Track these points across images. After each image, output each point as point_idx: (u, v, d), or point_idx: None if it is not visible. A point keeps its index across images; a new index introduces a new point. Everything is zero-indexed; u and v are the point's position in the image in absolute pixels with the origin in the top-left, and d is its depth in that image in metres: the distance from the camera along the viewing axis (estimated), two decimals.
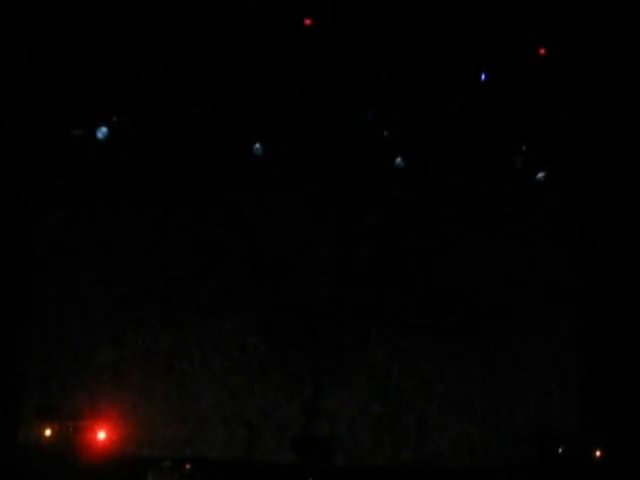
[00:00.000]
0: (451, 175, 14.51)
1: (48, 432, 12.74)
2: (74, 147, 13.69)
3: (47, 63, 12.49)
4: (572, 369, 14.77)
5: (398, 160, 13.94)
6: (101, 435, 12.85)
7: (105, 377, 13.61)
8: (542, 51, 12.88)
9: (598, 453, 13.70)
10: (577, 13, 12.33)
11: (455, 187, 14.64)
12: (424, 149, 13.87)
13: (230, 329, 14.12)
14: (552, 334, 14.78)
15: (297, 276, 14.33)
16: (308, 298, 14.31)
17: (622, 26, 12.42)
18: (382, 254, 14.56)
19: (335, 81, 12.96)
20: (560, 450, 13.75)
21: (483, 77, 13.12)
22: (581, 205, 14.81)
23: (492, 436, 14.49)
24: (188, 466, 13.11)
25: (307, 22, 12.45)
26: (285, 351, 14.20)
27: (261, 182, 14.33)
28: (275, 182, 14.38)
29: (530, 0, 12.34)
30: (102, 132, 13.38)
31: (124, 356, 13.78)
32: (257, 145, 13.69)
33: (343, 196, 14.48)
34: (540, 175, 14.33)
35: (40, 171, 13.66)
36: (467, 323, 14.59)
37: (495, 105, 13.31)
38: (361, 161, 14.21)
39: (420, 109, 13.38)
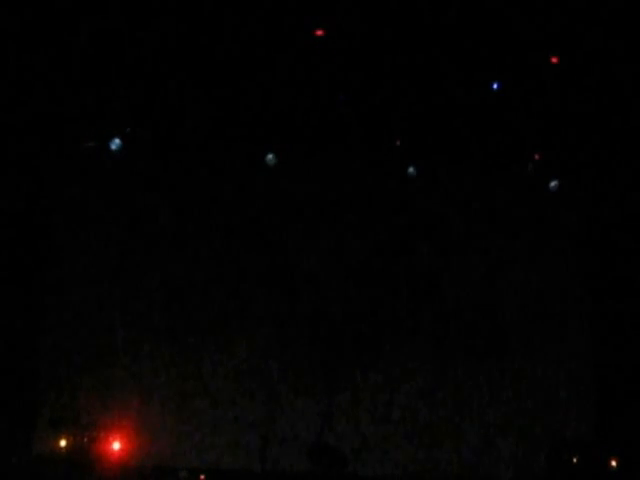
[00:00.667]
0: (464, 185, 14.51)
1: (63, 443, 12.78)
2: (87, 159, 13.76)
3: (59, 75, 12.54)
4: (587, 377, 14.69)
5: (411, 169, 13.94)
6: (116, 445, 12.88)
7: (120, 388, 13.63)
8: (554, 59, 12.82)
9: (613, 462, 13.63)
10: (590, 20, 12.27)
11: (468, 197, 14.65)
12: (437, 158, 13.86)
13: (245, 340, 14.15)
14: (567, 343, 14.73)
15: (312, 287, 14.35)
16: (323, 308, 14.32)
17: (636, 33, 12.36)
18: (398, 264, 14.56)
19: (348, 91, 12.98)
20: (575, 459, 13.69)
21: (495, 86, 13.08)
22: (595, 214, 14.78)
23: (506, 446, 14.44)
24: (203, 476, 13.17)
25: (319, 32, 12.44)
26: (300, 361, 14.21)
27: (274, 192, 14.36)
28: (288, 192, 14.41)
29: (542, 8, 12.31)
30: (115, 144, 13.43)
31: (139, 367, 13.81)
32: (270, 156, 13.71)
33: (357, 206, 14.49)
34: (553, 184, 14.29)
35: (54, 183, 13.73)
36: (482, 336, 14.57)
37: (507, 114, 13.27)
38: (374, 170, 14.23)
39: (432, 118, 13.36)
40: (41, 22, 11.79)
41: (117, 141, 13.37)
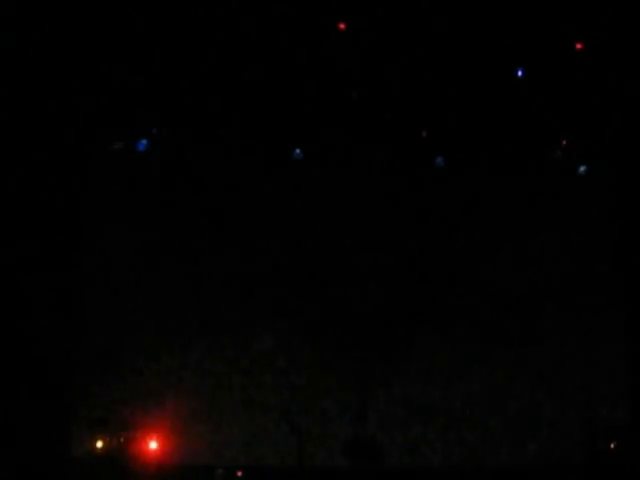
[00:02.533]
0: (492, 173, 14.50)
1: (100, 444, 12.81)
2: (114, 160, 13.82)
3: (87, 77, 12.60)
4: (622, 361, 14.64)
5: (438, 160, 13.94)
6: (153, 445, 12.90)
7: (155, 387, 13.62)
8: (579, 45, 12.80)
9: None
10: (614, 5, 12.25)
11: (497, 185, 14.65)
12: (464, 147, 13.86)
13: (277, 336, 14.14)
14: (600, 329, 14.68)
15: (344, 281, 14.33)
16: (355, 303, 14.30)
17: None
18: (428, 256, 14.55)
19: (372, 84, 12.98)
20: (612, 445, 13.65)
21: (520, 73, 13.07)
22: (623, 198, 14.77)
23: (542, 432, 14.40)
24: (240, 473, 13.17)
25: (341, 26, 12.44)
26: (332, 357, 14.18)
27: (302, 187, 14.37)
28: (317, 187, 14.40)
29: None
30: (142, 144, 13.49)
31: (174, 366, 13.79)
32: (297, 150, 13.75)
33: (386, 198, 14.48)
34: (582, 168, 14.30)
35: (81, 184, 13.75)
36: (513, 320, 14.54)
37: (535, 100, 13.25)
38: (401, 162, 14.22)
39: (458, 107, 13.35)
40: (74, 28, 11.89)
41: (144, 142, 13.46)
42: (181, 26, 12.20)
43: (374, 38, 12.43)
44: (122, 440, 12.86)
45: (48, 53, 12.10)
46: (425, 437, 14.22)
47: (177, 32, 12.25)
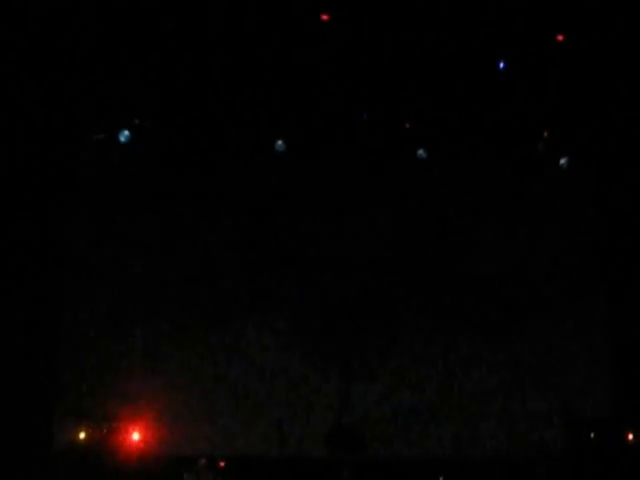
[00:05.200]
0: (474, 165, 14.53)
1: (82, 435, 12.80)
2: (96, 150, 13.77)
3: (68, 67, 12.55)
4: (602, 353, 14.74)
5: (420, 151, 13.96)
6: (135, 436, 12.89)
7: (137, 378, 13.60)
8: (560, 37, 12.83)
9: (630, 436, 13.68)
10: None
11: (479, 176, 14.69)
12: (446, 139, 13.88)
13: (259, 327, 14.17)
14: (581, 318, 14.78)
15: (326, 270, 14.34)
16: (337, 292, 14.34)
17: None
18: (410, 246, 14.60)
19: (355, 74, 12.97)
20: (592, 435, 13.74)
21: (501, 65, 13.10)
22: (605, 190, 14.84)
23: (523, 423, 14.49)
24: (222, 464, 13.19)
25: (324, 17, 12.43)
26: (314, 346, 14.23)
27: (284, 178, 14.36)
28: (299, 178, 14.41)
29: None
30: (124, 135, 13.46)
31: (156, 356, 13.80)
32: (279, 142, 13.74)
33: (367, 189, 14.49)
34: (563, 161, 14.36)
35: (63, 175, 13.70)
36: (495, 311, 14.61)
37: (516, 93, 13.29)
38: (383, 154, 14.24)
39: (440, 99, 13.37)
40: (56, 20, 11.84)
41: (126, 132, 13.43)
42: (164, 18, 12.18)
43: (357, 29, 12.44)
44: (104, 431, 12.83)
45: (30, 46, 12.06)
46: (407, 428, 14.28)
47: (160, 24, 12.22)
